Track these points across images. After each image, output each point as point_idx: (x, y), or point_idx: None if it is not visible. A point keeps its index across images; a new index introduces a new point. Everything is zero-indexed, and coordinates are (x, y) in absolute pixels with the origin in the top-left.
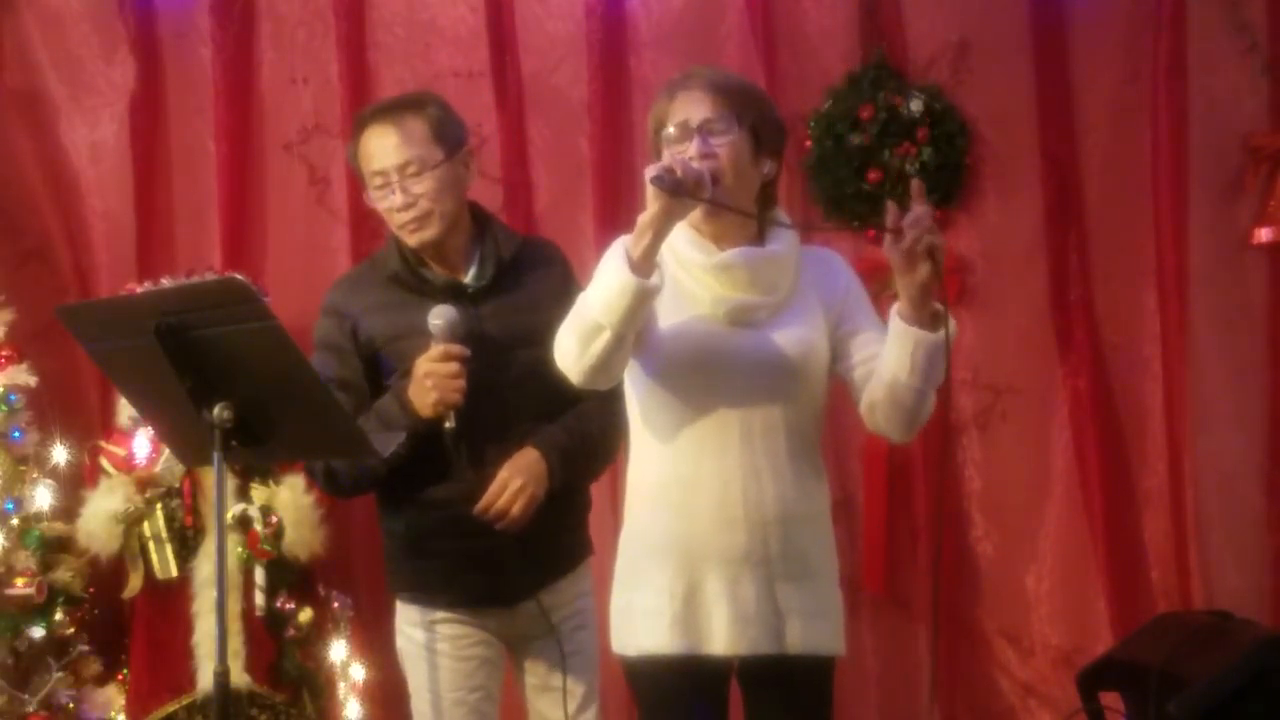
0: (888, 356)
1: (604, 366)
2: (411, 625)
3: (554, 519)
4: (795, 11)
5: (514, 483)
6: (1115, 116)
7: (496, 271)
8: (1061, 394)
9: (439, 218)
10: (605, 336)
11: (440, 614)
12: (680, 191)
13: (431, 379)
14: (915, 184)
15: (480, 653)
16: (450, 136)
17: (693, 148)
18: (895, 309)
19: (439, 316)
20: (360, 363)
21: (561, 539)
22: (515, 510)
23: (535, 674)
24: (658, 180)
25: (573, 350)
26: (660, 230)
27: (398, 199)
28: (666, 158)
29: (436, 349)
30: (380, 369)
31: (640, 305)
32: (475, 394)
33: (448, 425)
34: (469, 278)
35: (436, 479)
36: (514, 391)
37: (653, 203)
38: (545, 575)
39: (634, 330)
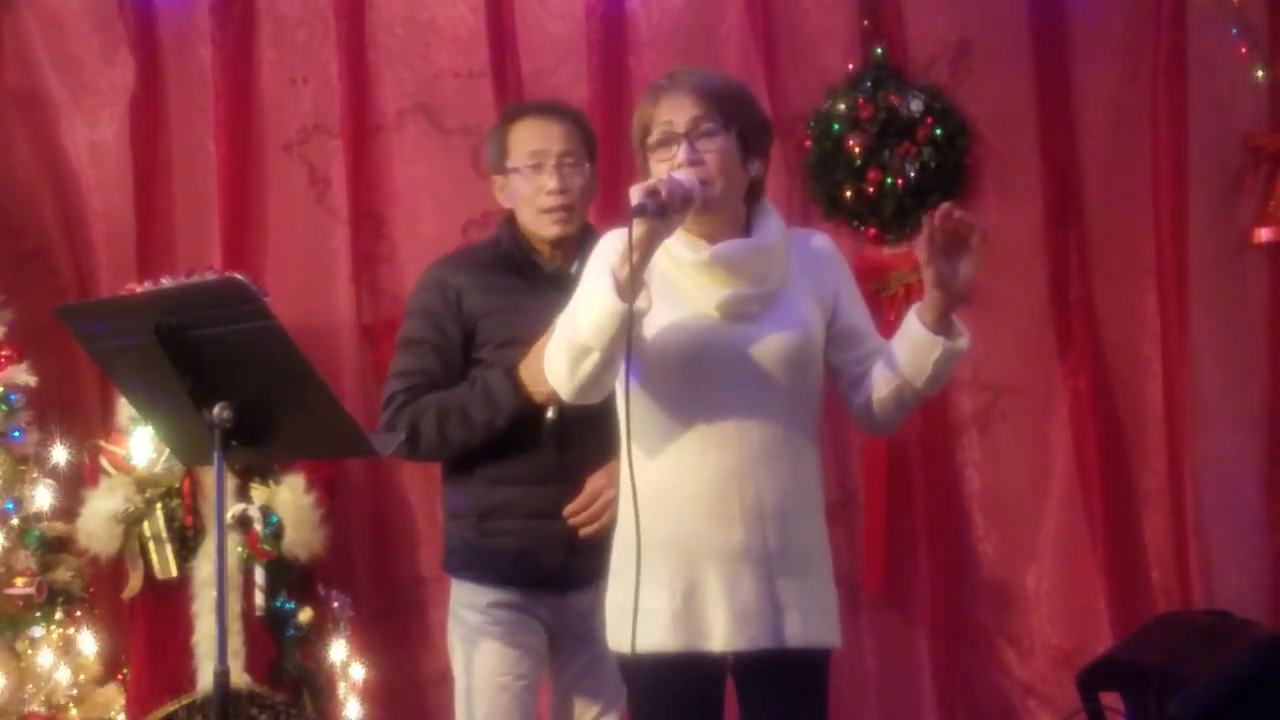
0: (903, 360)
1: (594, 386)
2: (465, 608)
3: None
4: (795, 11)
5: (607, 493)
6: (1115, 116)
7: None
8: (1061, 394)
9: (579, 216)
10: (594, 358)
11: (496, 596)
12: (666, 213)
13: None
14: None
15: (529, 642)
16: (593, 150)
17: (680, 154)
18: (915, 314)
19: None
20: (459, 332)
21: None
22: (605, 519)
23: (568, 673)
24: (640, 209)
25: (563, 371)
26: (647, 252)
27: (553, 181)
28: (654, 170)
29: None
30: (475, 341)
31: (629, 327)
32: None
33: (549, 415)
34: (574, 268)
35: (517, 456)
36: None
37: (637, 226)
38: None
39: (623, 349)
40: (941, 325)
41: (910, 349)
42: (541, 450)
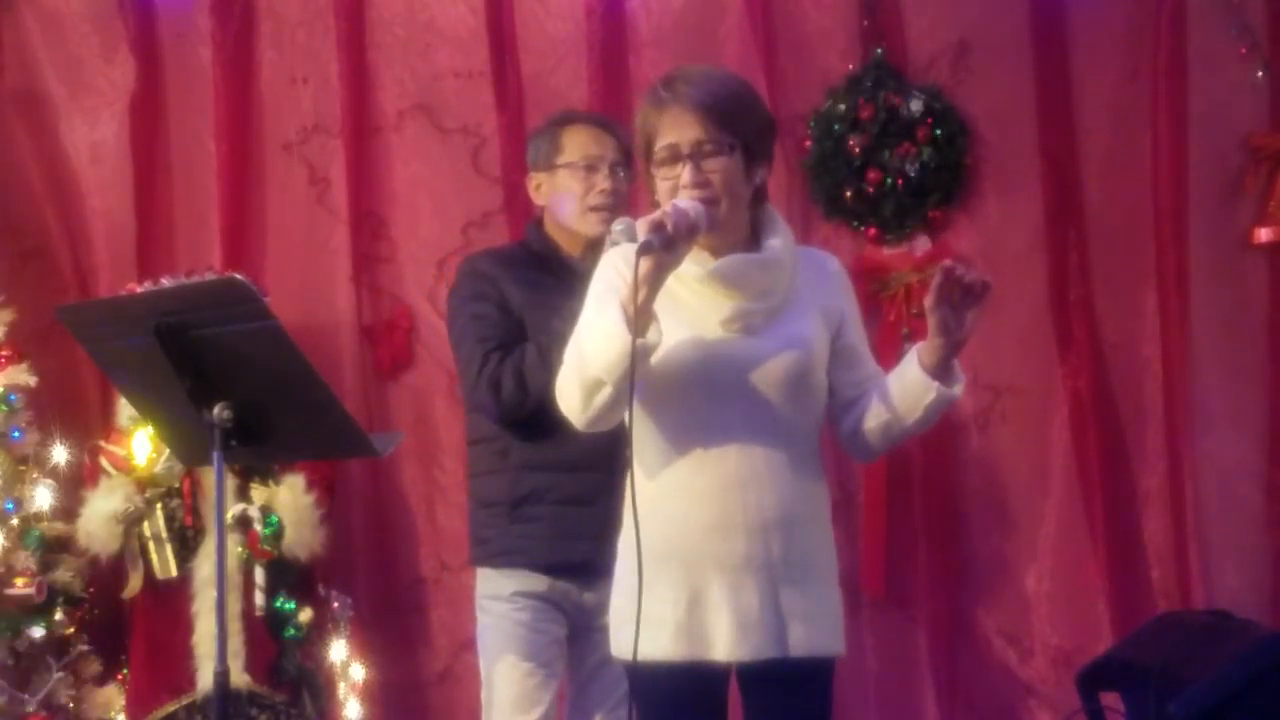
0: (897, 397)
1: (606, 416)
2: (490, 598)
3: None
4: (795, 11)
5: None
6: (1115, 116)
7: None
8: (1061, 394)
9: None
10: (607, 391)
11: (521, 585)
12: (673, 245)
13: None
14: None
15: (555, 631)
16: (632, 166)
17: (685, 175)
18: (915, 354)
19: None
20: (507, 306)
21: None
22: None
23: (585, 668)
24: (647, 246)
25: (576, 403)
26: (656, 284)
27: (608, 183)
28: (658, 185)
29: None
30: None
31: (641, 361)
32: None
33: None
34: None
35: (551, 442)
36: None
37: (644, 264)
38: None
39: (636, 380)
40: (940, 370)
41: (905, 388)
42: (576, 436)
